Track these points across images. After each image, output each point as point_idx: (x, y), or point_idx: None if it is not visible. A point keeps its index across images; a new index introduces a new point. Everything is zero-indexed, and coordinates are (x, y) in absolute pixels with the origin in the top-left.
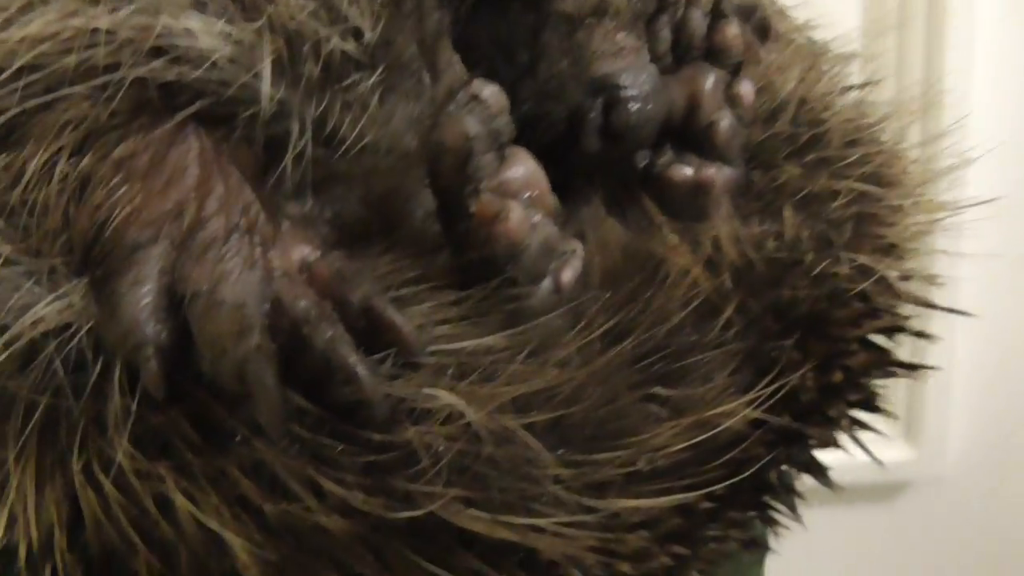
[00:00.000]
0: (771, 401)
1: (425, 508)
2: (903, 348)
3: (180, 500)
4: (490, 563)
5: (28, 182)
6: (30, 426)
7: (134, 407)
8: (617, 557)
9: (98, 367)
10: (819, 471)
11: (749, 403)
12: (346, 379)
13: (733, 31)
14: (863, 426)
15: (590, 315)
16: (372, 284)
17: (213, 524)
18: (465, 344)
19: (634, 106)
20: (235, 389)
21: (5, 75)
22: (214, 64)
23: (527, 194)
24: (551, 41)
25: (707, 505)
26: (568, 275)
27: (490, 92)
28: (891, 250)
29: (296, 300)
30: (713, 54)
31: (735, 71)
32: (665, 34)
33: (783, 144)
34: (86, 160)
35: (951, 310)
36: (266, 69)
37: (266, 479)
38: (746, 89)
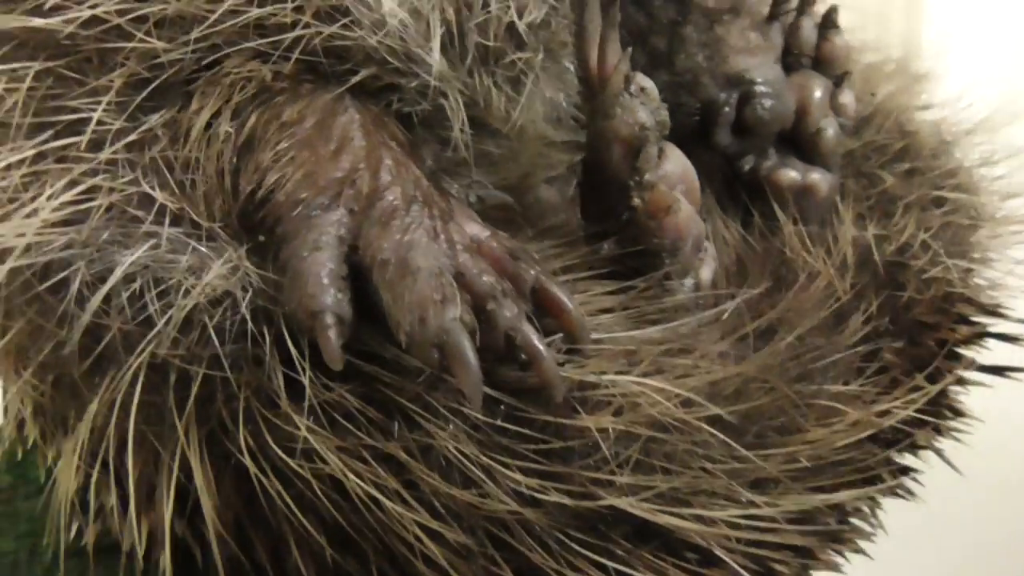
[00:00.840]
0: (916, 402)
1: (605, 500)
2: None
3: (352, 481)
4: (660, 558)
5: (191, 140)
6: (190, 399)
7: (306, 381)
8: (776, 551)
9: (266, 338)
10: (905, 473)
11: (901, 403)
12: (530, 359)
13: (842, 42)
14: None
15: (735, 312)
16: (541, 265)
17: (387, 506)
18: (631, 334)
19: (768, 102)
20: (429, 361)
21: (186, 29)
22: (388, 31)
23: (681, 188)
24: (690, 34)
25: (856, 504)
26: (707, 273)
27: (651, 84)
28: (984, 259)
29: (481, 275)
30: (821, 63)
31: (839, 81)
32: (778, 40)
33: (875, 153)
34: (251, 121)
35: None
36: (436, 40)
37: (437, 463)
38: (849, 99)
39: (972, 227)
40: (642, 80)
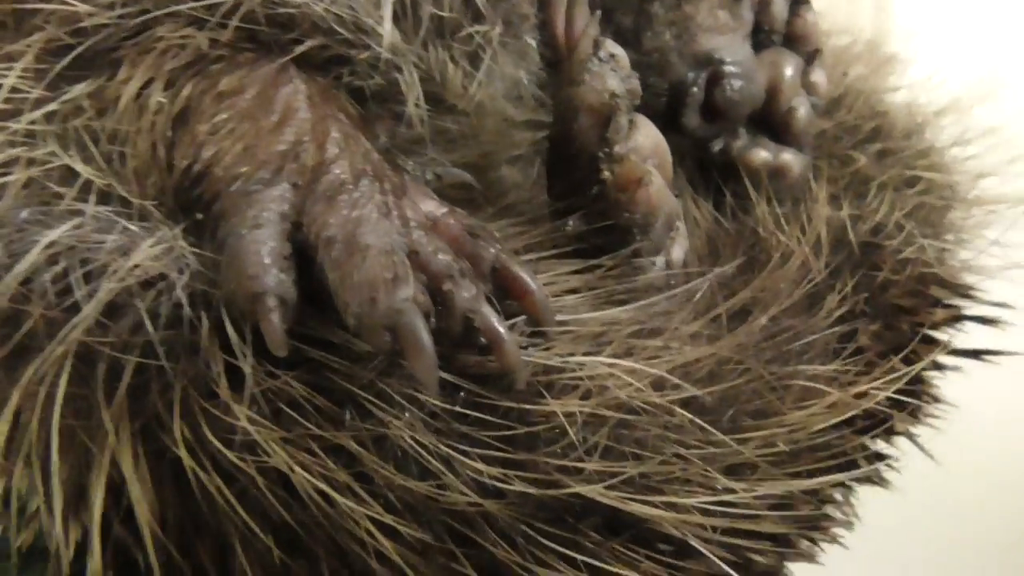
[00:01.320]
0: (895, 382)
1: (572, 488)
2: None
3: (299, 475)
4: (632, 550)
5: (119, 112)
6: (121, 390)
7: (247, 369)
8: (754, 541)
9: (204, 323)
10: (881, 460)
11: (880, 383)
12: (490, 342)
13: (812, 19)
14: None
15: (708, 292)
16: (502, 244)
17: (338, 501)
18: (598, 315)
19: (736, 83)
20: (380, 344)
21: None
22: None
23: (653, 161)
24: (657, 11)
25: (831, 491)
26: (678, 252)
27: (621, 51)
28: (958, 239)
29: (436, 253)
30: (792, 40)
31: (810, 59)
32: (748, 16)
33: (847, 133)
34: (186, 91)
35: (998, 304)
36: (387, 9)
37: (391, 454)
38: (821, 77)
39: (945, 207)
40: (612, 46)
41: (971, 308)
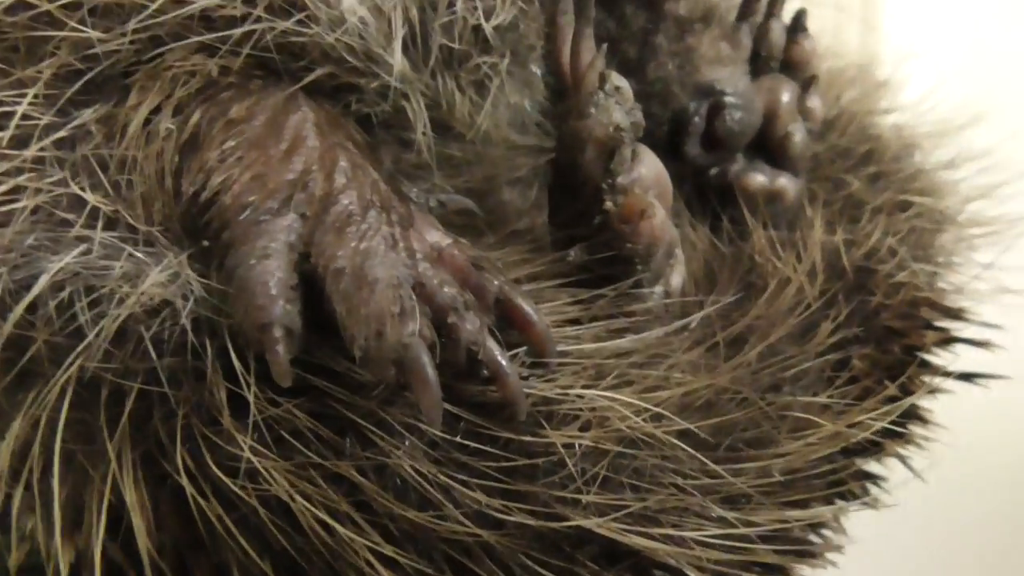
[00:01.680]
0: (890, 414)
1: (571, 520)
2: None
3: (300, 504)
4: None
5: (128, 137)
6: (124, 416)
7: (250, 397)
8: (749, 570)
9: (208, 350)
10: (874, 481)
11: (876, 415)
12: (493, 374)
13: (810, 46)
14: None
15: (705, 320)
16: (505, 274)
17: (338, 530)
18: (598, 346)
19: (737, 114)
20: (385, 377)
21: (123, 18)
22: (346, 29)
23: (655, 192)
24: (661, 43)
25: (827, 517)
26: (676, 279)
27: (626, 84)
28: (948, 263)
29: (442, 286)
30: (789, 67)
31: (806, 85)
32: (747, 42)
33: (839, 157)
34: (195, 118)
35: (987, 324)
36: (398, 40)
37: (391, 483)
38: (817, 103)
39: (936, 231)
40: (617, 79)
41: (962, 330)
